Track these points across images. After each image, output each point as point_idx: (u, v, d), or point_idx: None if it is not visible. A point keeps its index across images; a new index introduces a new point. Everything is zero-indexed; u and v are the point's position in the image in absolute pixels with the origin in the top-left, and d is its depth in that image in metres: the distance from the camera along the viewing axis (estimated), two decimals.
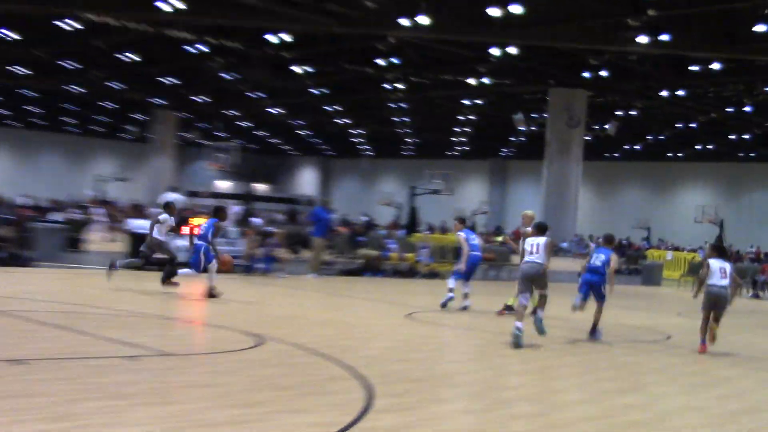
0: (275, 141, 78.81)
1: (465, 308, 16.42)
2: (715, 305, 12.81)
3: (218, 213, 15.67)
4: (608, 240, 13.80)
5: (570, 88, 43.51)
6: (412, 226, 46.07)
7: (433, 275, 25.05)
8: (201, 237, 15.15)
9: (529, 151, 63.76)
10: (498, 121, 56.13)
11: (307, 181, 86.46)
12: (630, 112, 49.03)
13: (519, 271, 12.33)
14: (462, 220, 17.24)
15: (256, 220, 25.56)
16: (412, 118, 59.33)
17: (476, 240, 16.80)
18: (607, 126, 45.05)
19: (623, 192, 69.33)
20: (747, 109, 44.11)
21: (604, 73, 39.92)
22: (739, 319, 19.21)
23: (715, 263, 12.84)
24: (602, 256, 13.08)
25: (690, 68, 37.06)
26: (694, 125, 51.37)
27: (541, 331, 12.21)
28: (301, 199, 65.58)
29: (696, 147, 60.46)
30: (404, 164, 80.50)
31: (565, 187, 44.88)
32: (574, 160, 45.19)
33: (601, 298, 13.12)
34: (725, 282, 12.73)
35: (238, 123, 65.98)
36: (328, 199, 33.58)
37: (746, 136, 53.60)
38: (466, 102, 50.73)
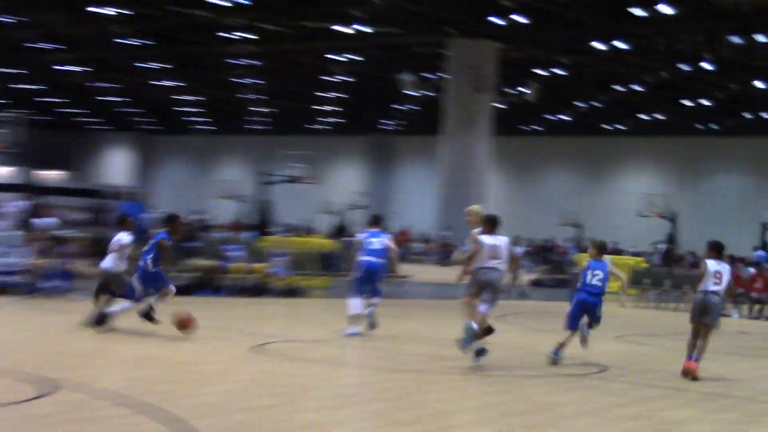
0: (73, 111, 77.19)
1: (354, 334, 16.78)
2: (703, 315, 14.10)
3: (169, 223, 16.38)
4: (601, 249, 15.08)
5: (476, 40, 44.30)
6: (263, 226, 45.97)
7: (291, 292, 25.03)
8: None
9: (422, 123, 64.50)
10: (380, 85, 56.58)
11: (119, 166, 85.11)
12: (555, 71, 50.30)
13: (477, 277, 14.07)
14: (377, 219, 17.92)
15: (45, 221, 24.98)
16: (264, 80, 59.16)
17: (378, 243, 17.26)
18: (525, 90, 46.14)
19: (547, 177, 71.07)
20: (707, 66, 45.93)
21: (520, 20, 40.82)
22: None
23: (712, 265, 14.07)
24: (600, 273, 14.61)
25: (632, 12, 38.28)
26: (638, 88, 53.09)
27: (465, 344, 13.89)
28: (109, 191, 64.45)
29: (641, 117, 62.51)
30: (253, 143, 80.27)
31: (470, 170, 45.70)
32: (482, 136, 46.08)
33: (597, 321, 14.85)
34: (719, 288, 14.03)
35: (18, 86, 64.30)
36: (138, 191, 33.13)
37: (706, 103, 55.79)
38: (338, 58, 50.97)
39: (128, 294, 16.01)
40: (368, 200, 68.36)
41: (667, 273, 32.96)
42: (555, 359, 14.78)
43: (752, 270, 29.01)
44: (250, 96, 64.19)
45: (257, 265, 25.24)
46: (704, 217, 61.62)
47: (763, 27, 38.95)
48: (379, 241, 17.34)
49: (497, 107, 47.57)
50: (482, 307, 14.09)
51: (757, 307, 27.64)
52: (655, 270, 34.40)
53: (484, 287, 14.11)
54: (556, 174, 70.85)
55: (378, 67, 52.32)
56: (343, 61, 51.58)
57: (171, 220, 16.55)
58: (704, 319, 14.16)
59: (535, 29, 42.23)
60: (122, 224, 17.07)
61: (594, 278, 14.58)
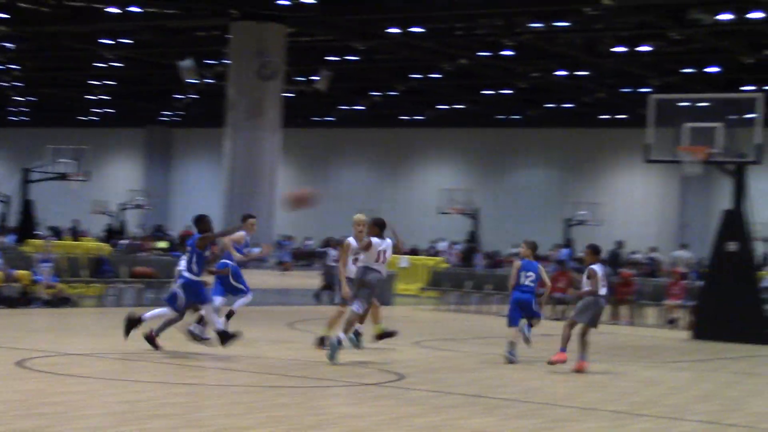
0: None
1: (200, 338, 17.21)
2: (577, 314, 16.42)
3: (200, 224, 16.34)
4: (533, 249, 17.34)
5: (261, 23, 44.25)
6: (26, 229, 44.80)
7: (60, 302, 24.52)
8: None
9: (205, 114, 64.09)
10: (156, 72, 55.93)
11: None
12: (348, 58, 50.77)
13: (362, 276, 16.11)
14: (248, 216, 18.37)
15: None
16: (22, 65, 57.56)
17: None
18: (316, 78, 46.41)
19: (341, 171, 71.61)
20: (507, 53, 47.25)
21: (309, 1, 41.03)
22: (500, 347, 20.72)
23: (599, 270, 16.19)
24: (532, 274, 16.86)
25: None
26: (436, 76, 54.11)
27: (332, 355, 15.71)
28: None
29: (440, 107, 63.71)
30: (11, 136, 77.97)
31: (258, 164, 45.66)
32: (270, 127, 46.08)
33: (537, 317, 17.25)
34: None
35: None
36: None
37: (507, 92, 57.37)
38: (107, 42, 50.06)
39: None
40: (146, 199, 67.42)
41: (468, 274, 33.77)
42: (511, 359, 17.05)
43: (554, 268, 30.02)
44: (7, 83, 62.35)
45: (20, 272, 24.61)
46: (507, 213, 63.31)
47: (564, 13, 40.37)
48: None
49: (286, 96, 47.68)
50: (355, 306, 16.21)
51: (559, 307, 28.61)
52: (454, 271, 35.18)
53: (364, 286, 16.15)
54: (352, 168, 71.46)
55: (155, 52, 51.67)
56: (116, 46, 50.70)
57: (200, 221, 16.39)
58: (577, 318, 16.50)
59: (327, 12, 42.53)
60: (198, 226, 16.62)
61: (527, 279, 16.87)
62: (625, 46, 44.60)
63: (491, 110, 63.89)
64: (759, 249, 35.78)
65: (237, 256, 17.64)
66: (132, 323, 16.46)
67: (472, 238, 51.76)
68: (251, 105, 45.41)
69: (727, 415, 13.23)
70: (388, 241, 16.45)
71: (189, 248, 16.29)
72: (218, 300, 17.39)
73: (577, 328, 16.51)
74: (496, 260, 50.56)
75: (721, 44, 43.11)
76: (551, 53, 46.81)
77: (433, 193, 61.87)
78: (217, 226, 18.55)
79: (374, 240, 16.23)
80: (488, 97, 59.47)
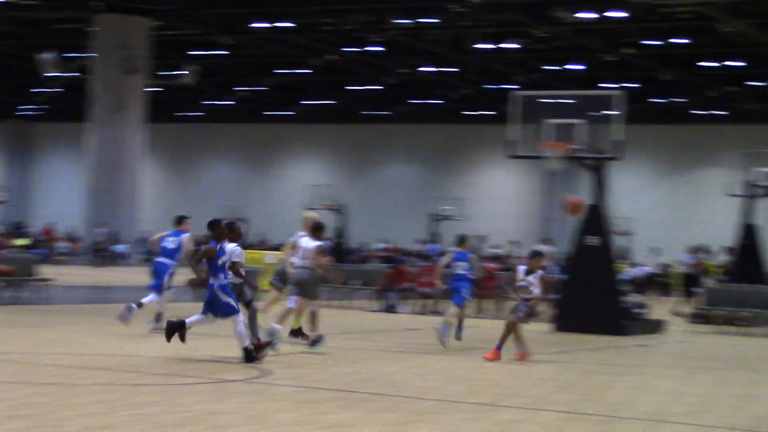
0: None
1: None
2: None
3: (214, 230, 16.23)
4: (463, 241, 19.69)
5: (125, 16, 43.74)
6: None
7: None
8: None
9: (67, 109, 63.07)
10: (15, 65, 54.82)
11: None
12: (215, 53, 50.46)
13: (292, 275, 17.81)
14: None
15: None
16: None
17: (173, 243, 20.07)
18: (181, 72, 46.03)
19: (208, 167, 71.16)
20: (374, 49, 47.46)
21: None
22: (377, 340, 20.81)
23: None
24: (464, 263, 19.24)
25: None
26: (304, 71, 54.11)
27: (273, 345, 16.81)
28: None
29: (307, 102, 63.75)
30: None
31: (121, 160, 45.19)
32: (134, 122, 45.61)
33: (462, 301, 19.58)
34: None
35: None
36: None
37: (374, 87, 57.64)
38: None
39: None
40: (5, 195, 65.96)
41: (337, 269, 33.77)
42: (443, 337, 19.24)
43: (421, 263, 30.27)
44: None
45: None
46: (375, 209, 63.62)
47: (430, 10, 40.71)
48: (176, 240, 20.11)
49: (151, 91, 47.19)
50: (290, 302, 17.98)
51: (425, 302, 28.88)
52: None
53: (294, 284, 17.88)
54: (219, 163, 71.06)
55: (14, 44, 50.65)
56: None
57: (213, 226, 16.20)
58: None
59: (192, 6, 42.20)
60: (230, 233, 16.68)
61: (459, 268, 19.28)
62: (490, 43, 45.15)
63: (359, 106, 64.11)
64: (618, 243, 36.58)
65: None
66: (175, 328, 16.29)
67: (340, 234, 51.81)
68: (115, 99, 44.87)
69: (585, 405, 13.53)
70: (318, 243, 18.02)
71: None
72: (152, 297, 19.84)
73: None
74: (363, 255, 50.78)
75: (584, 42, 43.93)
76: (418, 50, 47.16)
77: (301, 189, 61.78)
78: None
79: (302, 240, 17.87)
80: (356, 93, 59.67)
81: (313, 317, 18.14)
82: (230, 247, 16.41)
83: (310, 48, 48.44)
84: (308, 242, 17.92)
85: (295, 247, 18.03)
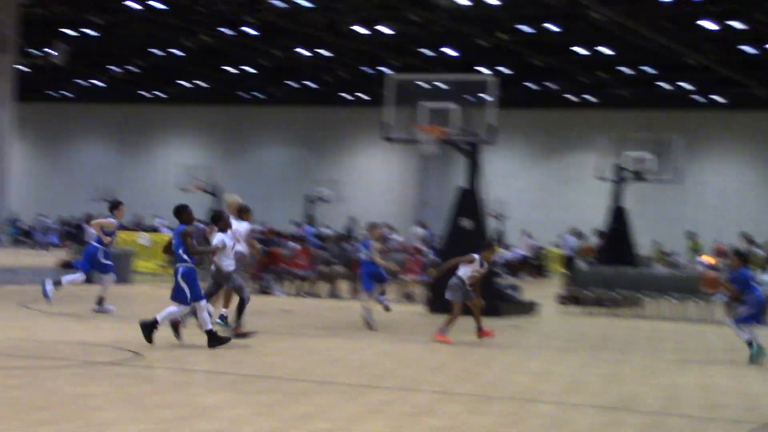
0: None
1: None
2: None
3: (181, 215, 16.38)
4: (370, 229, 21.33)
5: None
6: None
7: None
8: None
9: None
10: None
11: None
12: (85, 32, 49.64)
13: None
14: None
15: None
16: None
17: None
18: (52, 51, 45.14)
19: (80, 148, 70.04)
20: (250, 31, 47.15)
21: None
22: (251, 322, 20.77)
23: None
24: (365, 250, 20.28)
25: None
26: (178, 53, 53.55)
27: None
28: None
29: (182, 83, 63.13)
30: None
31: None
32: (2, 101, 44.63)
33: (386, 279, 20.71)
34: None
35: None
36: None
37: (249, 70, 57.32)
38: None
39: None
40: None
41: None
42: (371, 323, 19.80)
43: (295, 245, 30.18)
44: None
45: None
46: (250, 190, 63.33)
47: None
48: None
49: (21, 70, 46.22)
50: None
51: (300, 284, 28.89)
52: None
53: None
54: (91, 145, 69.95)
55: None
56: None
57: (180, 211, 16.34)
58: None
59: None
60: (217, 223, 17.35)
61: (363, 255, 20.33)
62: (365, 27, 45.20)
63: (234, 87, 63.72)
64: (492, 225, 36.97)
65: (106, 239, 20.95)
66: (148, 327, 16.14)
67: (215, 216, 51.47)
68: None
69: (458, 385, 13.69)
70: (245, 224, 18.76)
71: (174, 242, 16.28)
72: (78, 275, 20.72)
73: None
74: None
75: (459, 27, 44.23)
76: (293, 32, 47.00)
77: (175, 170, 61.20)
78: None
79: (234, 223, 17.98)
80: (231, 75, 59.27)
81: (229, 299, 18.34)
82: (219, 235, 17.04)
83: (184, 29, 47.93)
84: (238, 225, 18.28)
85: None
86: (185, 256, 15.97)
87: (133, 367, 14.03)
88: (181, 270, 15.96)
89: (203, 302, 16.06)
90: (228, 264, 17.10)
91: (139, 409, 11.04)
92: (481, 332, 18.46)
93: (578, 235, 43.29)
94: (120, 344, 16.03)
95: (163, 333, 16.21)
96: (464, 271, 18.60)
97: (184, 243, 15.98)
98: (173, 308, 16.12)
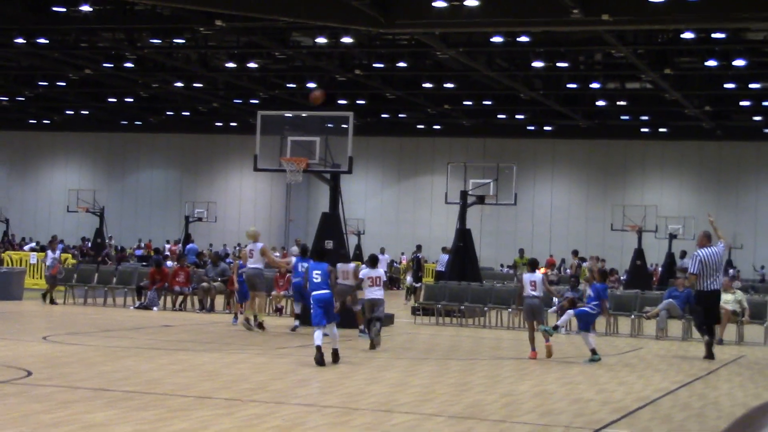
0: None
1: None
2: (534, 316, 19.06)
3: None
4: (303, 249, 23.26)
5: None
6: None
7: None
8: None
9: None
10: None
11: None
12: None
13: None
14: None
15: None
16: None
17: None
18: None
19: None
20: (129, 65, 46.48)
21: None
22: (134, 338, 20.31)
23: (527, 276, 19.01)
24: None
25: (54, 9, 37.74)
26: (63, 84, 52.53)
27: None
28: None
29: (68, 112, 61.91)
30: None
31: None
32: None
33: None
34: (536, 293, 18.86)
35: None
36: None
37: (130, 100, 56.50)
38: None
39: None
40: None
41: (96, 269, 32.85)
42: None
43: (173, 264, 29.77)
44: None
45: None
46: (132, 211, 62.45)
47: (181, 30, 40.18)
48: None
49: None
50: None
51: (177, 299, 28.48)
52: (84, 267, 33.99)
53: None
54: None
55: None
56: None
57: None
58: (536, 318, 19.08)
59: None
60: None
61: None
62: (235, 62, 44.94)
63: (115, 116, 62.75)
64: (352, 243, 36.98)
65: None
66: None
67: (99, 235, 50.52)
68: None
69: (323, 397, 13.59)
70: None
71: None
72: None
73: None
74: (122, 255, 49.69)
75: (319, 64, 44.24)
76: (169, 66, 46.48)
77: (62, 193, 59.95)
78: None
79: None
80: (112, 105, 58.32)
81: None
82: None
83: (69, 63, 47.02)
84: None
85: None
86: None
87: (22, 386, 13.56)
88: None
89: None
90: None
91: (30, 429, 10.66)
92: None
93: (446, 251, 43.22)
94: (9, 362, 15.51)
95: (58, 350, 15.69)
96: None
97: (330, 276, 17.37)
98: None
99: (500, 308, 26.14)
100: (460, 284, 27.64)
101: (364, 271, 19.90)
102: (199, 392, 13.58)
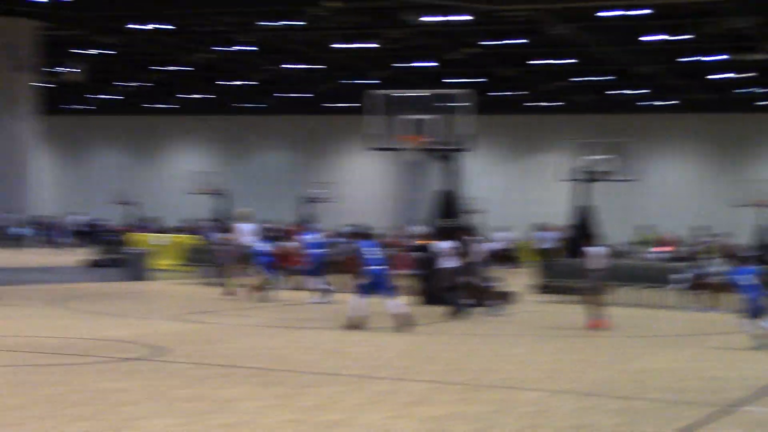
0: None
1: None
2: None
3: None
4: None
5: (13, 18, 42.62)
6: None
7: None
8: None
9: None
10: None
11: None
12: (101, 51, 49.39)
13: None
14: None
15: None
16: None
17: None
18: (69, 69, 44.94)
19: (98, 156, 69.80)
20: (247, 48, 46.96)
21: None
22: (255, 317, 20.60)
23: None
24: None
25: None
26: (183, 68, 53.39)
27: None
28: None
29: (185, 96, 62.93)
30: None
31: (16, 150, 44.11)
32: (26, 115, 44.47)
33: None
34: None
35: None
36: None
37: (244, 82, 57.15)
38: None
39: None
40: None
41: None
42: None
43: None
44: None
45: None
46: (250, 193, 63.20)
47: (294, 13, 40.37)
48: None
49: (43, 86, 45.99)
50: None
51: (297, 278, 28.54)
52: (208, 248, 34.23)
53: None
54: (107, 153, 69.81)
55: None
56: None
57: None
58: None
59: (77, 8, 41.18)
60: None
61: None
62: (348, 43, 45.02)
63: (232, 99, 63.64)
64: (471, 221, 36.71)
65: None
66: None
67: (222, 216, 51.19)
68: (5, 95, 43.85)
69: (450, 374, 13.53)
70: None
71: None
72: None
73: None
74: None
75: (431, 42, 44.08)
76: (284, 49, 46.89)
77: (183, 175, 60.99)
78: None
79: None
80: (229, 88, 59.15)
81: None
82: None
83: (186, 47, 47.80)
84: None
85: None
86: None
87: (157, 363, 13.84)
88: None
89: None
90: None
91: (168, 403, 10.86)
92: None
93: (547, 229, 42.87)
94: (146, 340, 15.84)
95: (187, 328, 15.98)
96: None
97: None
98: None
99: (625, 286, 25.64)
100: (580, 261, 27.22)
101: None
102: (326, 369, 13.67)
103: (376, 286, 18.20)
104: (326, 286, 24.69)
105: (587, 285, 19.49)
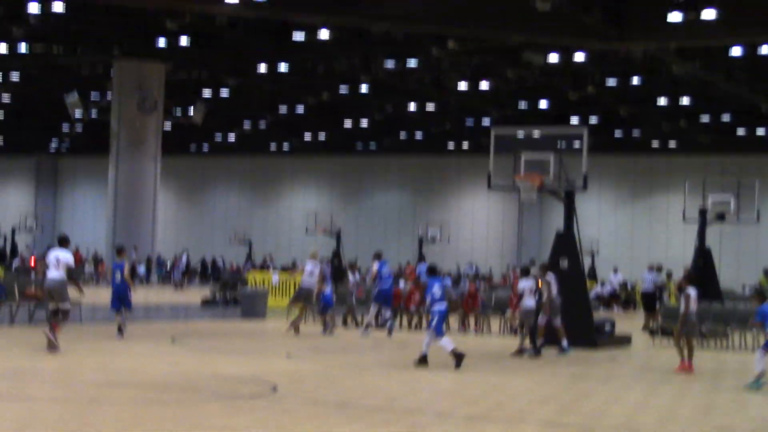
0: None
1: None
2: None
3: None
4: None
5: (141, 60, 43.75)
6: None
7: None
8: None
9: (91, 143, 62.91)
10: (44, 104, 54.65)
11: None
12: (220, 93, 50.43)
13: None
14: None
15: None
16: None
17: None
18: (191, 110, 45.96)
19: (216, 195, 71.03)
20: (363, 89, 47.47)
21: (184, 41, 40.62)
22: (366, 355, 20.65)
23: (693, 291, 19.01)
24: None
25: (293, 37, 38.98)
26: (301, 109, 54.11)
27: None
28: None
29: (305, 137, 63.74)
30: None
31: (140, 189, 45.12)
32: (151, 155, 45.52)
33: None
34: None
35: None
36: None
37: (364, 123, 57.65)
38: None
39: None
40: (36, 223, 65.63)
41: (334, 290, 33.34)
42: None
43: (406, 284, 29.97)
44: None
45: None
46: (367, 233, 63.56)
47: (413, 52, 40.71)
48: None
49: (166, 128, 47.16)
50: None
51: (415, 319, 28.63)
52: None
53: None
54: (225, 193, 70.96)
55: (41, 86, 50.60)
56: (4, 81, 49.53)
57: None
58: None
59: (200, 51, 42.21)
60: None
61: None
62: (467, 83, 45.15)
63: (350, 139, 64.16)
64: (586, 263, 36.43)
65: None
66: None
67: (336, 256, 51.66)
68: (133, 136, 44.91)
69: (563, 416, 13.40)
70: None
71: None
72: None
73: None
74: (361, 277, 50.59)
75: (550, 82, 43.93)
76: (403, 89, 47.21)
77: (300, 216, 61.76)
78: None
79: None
80: (347, 128, 59.71)
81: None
82: None
83: (306, 88, 48.50)
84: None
85: None
86: None
87: (270, 400, 13.99)
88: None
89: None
90: None
91: None
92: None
93: (658, 269, 41.99)
94: (258, 377, 16.05)
95: (290, 367, 16.12)
96: None
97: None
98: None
99: (743, 330, 25.06)
100: (700, 304, 26.67)
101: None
102: (440, 409, 13.68)
103: (430, 323, 18.66)
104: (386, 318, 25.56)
105: (681, 328, 18.95)
